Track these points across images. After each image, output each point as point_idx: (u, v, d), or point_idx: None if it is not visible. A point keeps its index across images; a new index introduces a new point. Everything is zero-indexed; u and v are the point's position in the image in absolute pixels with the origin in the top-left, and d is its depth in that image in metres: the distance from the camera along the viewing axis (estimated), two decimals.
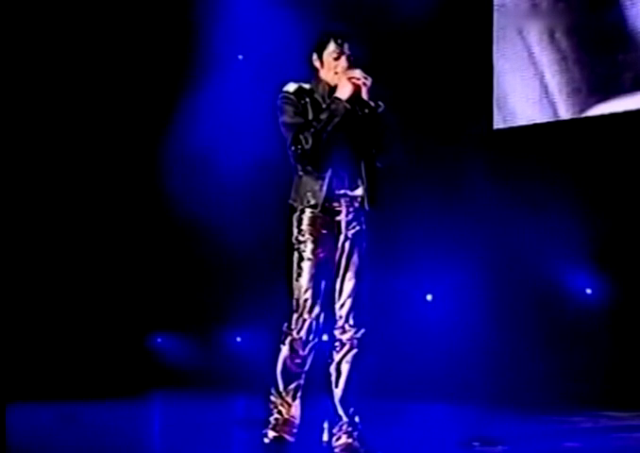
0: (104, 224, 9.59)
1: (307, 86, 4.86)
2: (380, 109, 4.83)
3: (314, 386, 4.85)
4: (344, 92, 4.74)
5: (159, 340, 9.95)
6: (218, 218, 9.24)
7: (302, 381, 4.80)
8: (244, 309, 9.17)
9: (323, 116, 4.71)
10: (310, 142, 4.67)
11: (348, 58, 4.80)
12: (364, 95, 4.74)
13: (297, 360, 4.76)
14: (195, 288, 9.55)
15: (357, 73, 4.74)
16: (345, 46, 4.80)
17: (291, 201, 4.84)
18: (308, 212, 4.77)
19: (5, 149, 8.69)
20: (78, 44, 9.32)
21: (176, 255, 9.58)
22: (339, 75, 4.79)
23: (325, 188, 4.73)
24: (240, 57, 9.73)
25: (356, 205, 4.82)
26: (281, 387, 4.78)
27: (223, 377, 8.97)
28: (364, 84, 4.73)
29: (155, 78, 9.61)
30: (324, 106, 4.76)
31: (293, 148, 4.72)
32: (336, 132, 4.72)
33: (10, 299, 8.36)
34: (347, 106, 4.73)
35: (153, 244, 9.68)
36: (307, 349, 4.75)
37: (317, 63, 4.88)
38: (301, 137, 4.69)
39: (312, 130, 4.68)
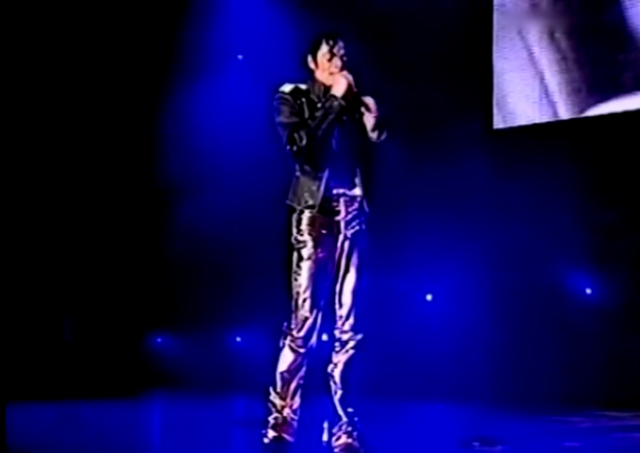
0: (103, 224, 9.60)
1: (303, 86, 4.87)
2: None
3: (314, 386, 4.84)
4: (338, 88, 4.75)
5: (158, 340, 9.96)
6: (217, 218, 9.25)
7: (301, 381, 4.80)
8: (244, 309, 9.18)
9: (318, 113, 4.72)
10: (305, 139, 4.68)
11: (341, 59, 4.82)
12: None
13: (297, 360, 4.75)
14: (195, 288, 9.55)
15: (349, 77, 4.77)
16: (337, 47, 4.83)
17: (289, 202, 4.84)
18: (307, 212, 4.77)
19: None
20: (78, 45, 9.33)
21: (176, 255, 9.57)
22: (334, 74, 4.80)
23: (322, 188, 4.73)
24: (239, 57, 9.75)
25: (355, 205, 4.82)
26: (281, 387, 4.77)
27: (223, 377, 8.98)
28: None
29: (155, 78, 9.61)
30: (319, 105, 4.77)
31: (288, 147, 4.73)
32: (332, 130, 4.72)
33: (10, 300, 8.37)
34: (342, 103, 4.74)
35: (153, 245, 9.68)
36: (306, 349, 4.75)
37: (312, 65, 4.90)
38: (296, 135, 4.70)
39: (307, 129, 4.69)
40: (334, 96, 4.74)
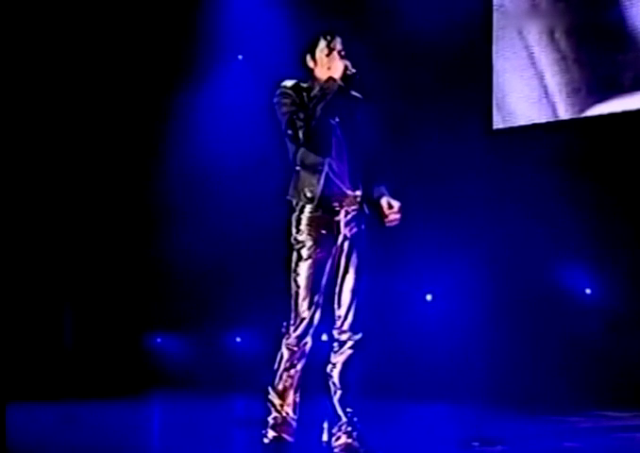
0: (104, 224, 9.60)
1: (304, 84, 4.88)
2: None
3: (314, 386, 4.85)
4: (336, 71, 4.78)
5: (158, 340, 9.96)
6: (218, 218, 9.25)
7: (299, 380, 4.80)
8: (244, 309, 9.18)
9: (316, 93, 4.73)
10: (302, 119, 4.68)
11: (339, 54, 4.84)
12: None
13: (296, 360, 4.76)
14: (195, 288, 9.55)
15: (346, 61, 4.79)
16: (334, 42, 4.84)
17: (289, 197, 4.84)
18: (307, 212, 4.77)
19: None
20: (77, 44, 9.33)
21: (176, 255, 9.57)
22: (331, 68, 4.82)
23: (322, 181, 4.74)
24: (240, 57, 9.75)
25: (355, 205, 4.82)
26: (280, 387, 4.78)
27: (223, 377, 8.98)
28: None
29: (156, 78, 9.61)
30: (318, 88, 4.78)
31: (289, 131, 4.73)
32: (330, 111, 4.72)
33: (10, 300, 8.37)
34: (340, 83, 4.76)
35: (154, 245, 9.68)
36: (305, 349, 4.76)
37: (311, 63, 4.91)
38: (295, 117, 4.71)
39: (306, 110, 4.70)
40: (332, 78, 4.76)
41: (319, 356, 4.84)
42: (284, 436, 4.76)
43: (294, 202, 4.81)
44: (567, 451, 5.36)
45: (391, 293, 8.13)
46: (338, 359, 4.81)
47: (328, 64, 4.83)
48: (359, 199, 4.83)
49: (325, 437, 4.84)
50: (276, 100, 4.84)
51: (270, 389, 4.80)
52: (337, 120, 4.81)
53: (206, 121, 9.39)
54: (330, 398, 4.81)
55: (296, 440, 4.79)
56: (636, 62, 7.62)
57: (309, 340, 4.75)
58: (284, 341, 4.76)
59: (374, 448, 4.79)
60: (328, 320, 4.82)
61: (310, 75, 4.90)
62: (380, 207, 4.83)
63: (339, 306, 4.81)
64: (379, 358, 6.38)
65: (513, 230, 7.96)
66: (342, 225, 4.80)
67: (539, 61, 8.13)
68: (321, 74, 4.86)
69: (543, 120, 8.13)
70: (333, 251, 4.78)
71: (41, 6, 9.12)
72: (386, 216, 4.82)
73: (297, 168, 4.81)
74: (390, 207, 4.82)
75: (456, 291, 8.29)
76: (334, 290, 4.81)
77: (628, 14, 7.66)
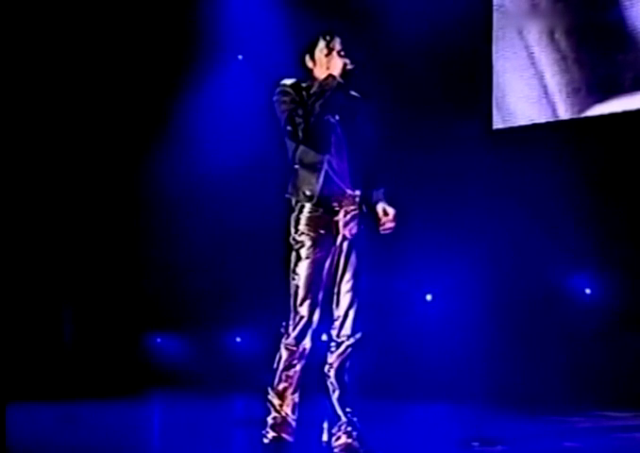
0: (102, 224, 9.60)
1: (304, 84, 4.88)
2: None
3: (314, 386, 4.84)
4: (335, 68, 4.78)
5: (158, 340, 9.95)
6: (217, 217, 9.25)
7: (298, 379, 4.79)
8: (244, 309, 9.18)
9: (315, 91, 4.73)
10: (301, 115, 4.68)
11: (339, 53, 4.83)
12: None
13: (295, 360, 4.76)
14: (195, 288, 9.55)
15: (346, 59, 4.80)
16: (334, 42, 4.84)
17: (288, 195, 4.84)
18: (306, 212, 4.76)
19: None
20: (78, 44, 9.33)
21: (177, 255, 9.57)
22: (329, 68, 4.82)
23: (321, 179, 4.73)
24: (240, 57, 9.75)
25: (355, 205, 4.82)
26: (279, 386, 4.78)
27: (223, 377, 8.98)
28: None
29: (156, 77, 9.61)
30: (317, 84, 4.79)
31: (289, 127, 4.72)
32: (329, 107, 4.72)
33: (10, 299, 8.37)
34: (340, 80, 4.76)
35: (153, 245, 9.68)
36: (305, 349, 4.75)
37: (310, 63, 4.90)
38: (294, 113, 4.71)
39: (305, 107, 4.70)
40: (331, 75, 4.77)
41: (319, 356, 4.84)
42: (284, 436, 4.76)
43: (294, 200, 4.81)
44: (567, 451, 5.36)
45: (391, 293, 8.13)
46: (335, 358, 4.80)
47: (328, 64, 4.83)
48: (357, 199, 4.82)
49: (325, 437, 4.84)
50: (275, 98, 4.84)
51: (269, 389, 4.80)
52: (337, 118, 4.81)
53: (206, 121, 9.39)
54: (329, 398, 4.80)
55: (296, 440, 4.78)
56: (636, 62, 7.62)
57: (308, 340, 4.75)
58: (283, 341, 4.76)
59: (374, 448, 4.79)
60: (328, 320, 4.81)
61: (309, 75, 4.89)
62: (376, 213, 4.82)
63: (337, 306, 4.81)
64: (379, 358, 6.38)
65: (513, 230, 7.96)
66: (341, 225, 4.79)
67: (539, 61, 8.14)
68: (320, 74, 4.86)
69: (543, 120, 8.13)
70: (332, 251, 4.78)
71: (41, 6, 9.11)
72: (381, 224, 4.81)
73: (296, 166, 4.80)
74: (385, 214, 4.81)
75: (456, 291, 8.29)
76: (333, 290, 4.81)
77: (628, 14, 7.66)
